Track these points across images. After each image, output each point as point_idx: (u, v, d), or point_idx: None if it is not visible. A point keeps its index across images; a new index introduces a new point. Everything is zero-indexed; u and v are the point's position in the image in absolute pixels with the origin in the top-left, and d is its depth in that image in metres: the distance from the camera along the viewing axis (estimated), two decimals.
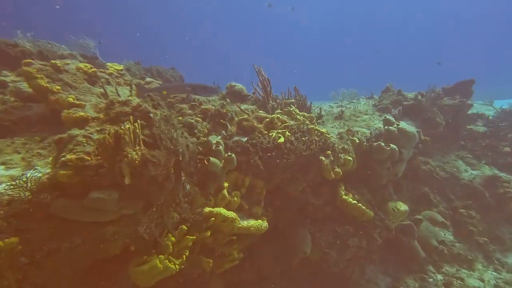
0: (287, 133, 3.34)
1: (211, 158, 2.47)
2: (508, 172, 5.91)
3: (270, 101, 4.78)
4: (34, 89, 2.52)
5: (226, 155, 2.65)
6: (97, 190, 1.62)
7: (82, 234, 1.63)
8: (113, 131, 1.62)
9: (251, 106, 4.71)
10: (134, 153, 1.69)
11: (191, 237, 2.26)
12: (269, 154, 3.03)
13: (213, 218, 2.39)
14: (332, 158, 3.36)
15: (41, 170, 1.66)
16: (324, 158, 3.28)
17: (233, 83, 5.23)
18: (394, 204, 3.99)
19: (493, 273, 4.47)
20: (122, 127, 1.65)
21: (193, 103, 3.69)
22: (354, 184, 4.01)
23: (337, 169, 3.40)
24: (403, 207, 3.96)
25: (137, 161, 1.71)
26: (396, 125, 4.04)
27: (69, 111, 2.26)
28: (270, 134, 3.26)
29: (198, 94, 3.27)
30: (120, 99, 1.97)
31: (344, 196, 3.57)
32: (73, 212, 1.55)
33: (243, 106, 4.25)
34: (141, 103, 1.99)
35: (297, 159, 3.22)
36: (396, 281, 4.19)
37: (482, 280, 4.24)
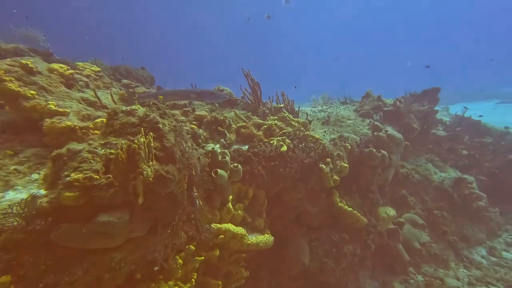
0: (287, 140, 3.26)
1: (219, 170, 2.29)
2: (467, 173, 6.50)
3: (261, 106, 4.68)
4: (1, 94, 2.11)
5: (232, 166, 2.48)
6: (106, 212, 1.37)
7: (84, 264, 1.37)
8: (125, 146, 1.39)
9: (242, 112, 4.56)
10: (149, 169, 1.47)
11: (199, 257, 2.06)
12: (272, 163, 2.92)
13: (222, 236, 2.21)
14: (331, 166, 3.35)
15: (41, 192, 1.35)
16: (324, 166, 3.26)
17: (221, 87, 5.02)
18: (384, 209, 4.11)
19: (464, 270, 4.75)
20: (136, 141, 1.42)
21: (185, 108, 3.45)
22: (345, 190, 4.06)
23: (335, 177, 3.40)
24: (392, 212, 4.10)
25: (150, 178, 1.49)
26: (384, 131, 4.18)
27: (53, 120, 1.93)
28: (271, 141, 3.15)
29: (204, 101, 3.03)
30: (124, 109, 1.71)
31: (340, 204, 3.59)
32: (78, 239, 1.29)
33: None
34: (148, 113, 1.76)
35: (299, 167, 3.15)
36: (384, 285, 4.30)
37: (458, 279, 4.53)
